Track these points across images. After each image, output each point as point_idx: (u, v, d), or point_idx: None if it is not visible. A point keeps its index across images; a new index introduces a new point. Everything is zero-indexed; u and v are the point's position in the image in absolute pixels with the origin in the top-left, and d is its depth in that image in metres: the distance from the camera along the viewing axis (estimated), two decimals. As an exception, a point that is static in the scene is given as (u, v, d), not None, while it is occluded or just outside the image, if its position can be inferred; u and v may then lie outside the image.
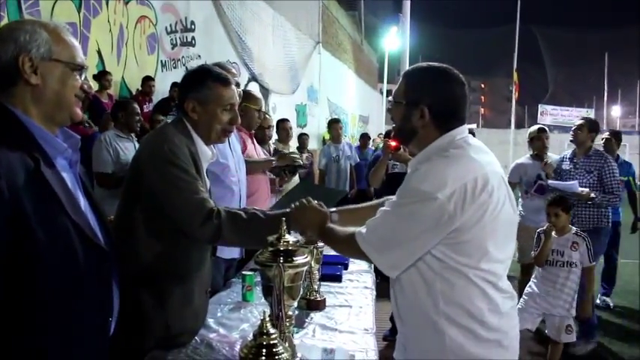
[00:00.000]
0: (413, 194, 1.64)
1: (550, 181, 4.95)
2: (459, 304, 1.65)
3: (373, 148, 11.60)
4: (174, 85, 7.59)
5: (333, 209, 2.16)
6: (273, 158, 3.82)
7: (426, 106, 1.74)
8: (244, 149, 3.72)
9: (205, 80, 2.09)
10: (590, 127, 4.89)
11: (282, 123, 7.13)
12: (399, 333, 1.87)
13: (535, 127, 5.60)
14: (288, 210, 2.06)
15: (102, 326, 1.50)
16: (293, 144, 6.90)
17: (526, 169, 5.42)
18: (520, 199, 5.49)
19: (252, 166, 3.63)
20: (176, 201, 1.94)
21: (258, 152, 3.94)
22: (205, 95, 2.08)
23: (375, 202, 2.30)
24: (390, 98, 1.90)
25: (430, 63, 1.84)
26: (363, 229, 1.75)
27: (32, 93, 1.42)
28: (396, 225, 1.67)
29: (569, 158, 4.99)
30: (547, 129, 5.61)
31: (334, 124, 8.52)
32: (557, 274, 3.97)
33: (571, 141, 4.99)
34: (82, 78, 1.51)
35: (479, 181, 1.61)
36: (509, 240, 1.75)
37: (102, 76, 7.18)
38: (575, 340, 4.12)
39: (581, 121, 5.02)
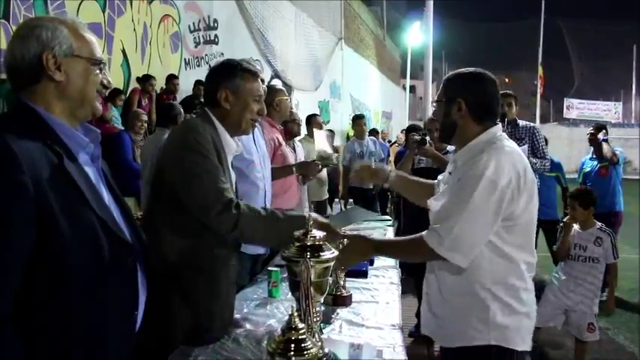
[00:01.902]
0: (477, 180, 1.83)
1: None
2: (503, 283, 1.92)
3: (397, 144, 11.46)
4: (197, 82, 7.65)
5: (391, 168, 2.40)
6: (293, 165, 3.87)
7: (463, 99, 1.99)
8: (279, 145, 3.78)
9: (236, 71, 2.16)
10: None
11: (314, 117, 7.12)
12: (433, 315, 2.09)
13: None
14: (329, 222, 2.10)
15: (127, 319, 1.51)
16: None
17: None
18: None
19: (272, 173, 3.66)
20: (193, 188, 1.95)
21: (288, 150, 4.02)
22: (238, 85, 2.14)
23: (423, 180, 2.48)
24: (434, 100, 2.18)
25: (466, 68, 2.11)
26: (431, 233, 1.91)
27: (56, 89, 1.42)
28: (469, 218, 1.84)
29: None
30: None
31: (358, 120, 8.43)
32: (579, 269, 3.90)
33: None
34: (102, 73, 1.52)
35: (527, 171, 1.89)
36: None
37: (146, 80, 7.32)
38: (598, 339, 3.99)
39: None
